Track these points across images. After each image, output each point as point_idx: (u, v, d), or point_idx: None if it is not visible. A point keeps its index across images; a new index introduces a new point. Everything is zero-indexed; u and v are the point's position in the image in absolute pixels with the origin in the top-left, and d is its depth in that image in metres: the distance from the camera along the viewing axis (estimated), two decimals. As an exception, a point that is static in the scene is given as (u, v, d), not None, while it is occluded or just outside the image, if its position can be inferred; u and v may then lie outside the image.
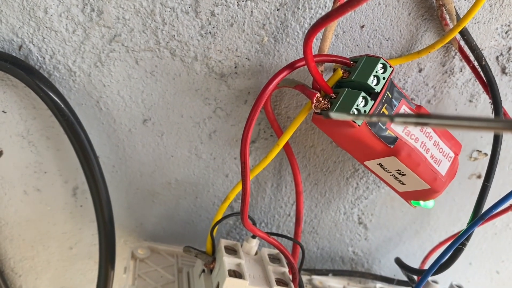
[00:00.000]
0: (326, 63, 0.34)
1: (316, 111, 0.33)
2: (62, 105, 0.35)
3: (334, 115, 0.27)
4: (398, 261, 0.45)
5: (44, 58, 0.35)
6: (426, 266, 0.43)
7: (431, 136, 0.35)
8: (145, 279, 0.42)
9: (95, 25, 0.34)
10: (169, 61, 0.37)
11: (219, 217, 0.39)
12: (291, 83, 0.34)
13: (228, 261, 0.39)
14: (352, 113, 0.31)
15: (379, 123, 0.33)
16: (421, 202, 0.39)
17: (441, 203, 0.49)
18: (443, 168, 0.36)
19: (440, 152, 0.36)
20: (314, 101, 0.32)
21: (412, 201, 0.39)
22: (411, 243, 0.51)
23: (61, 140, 0.39)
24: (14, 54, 0.34)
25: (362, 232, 0.50)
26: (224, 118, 0.40)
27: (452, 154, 0.36)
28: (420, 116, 0.20)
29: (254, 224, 0.42)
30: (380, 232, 0.50)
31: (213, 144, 0.42)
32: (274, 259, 0.42)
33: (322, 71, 0.33)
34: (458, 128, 0.19)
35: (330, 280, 0.50)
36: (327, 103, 0.32)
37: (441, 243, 0.46)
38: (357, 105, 0.31)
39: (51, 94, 0.34)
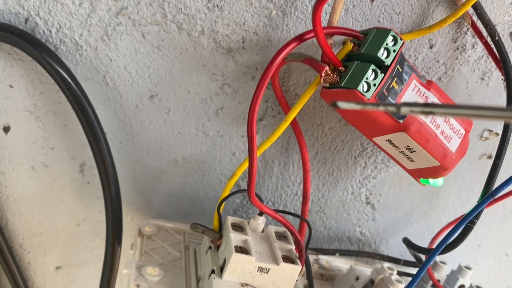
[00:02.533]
0: (335, 36, 0.33)
1: (324, 85, 0.32)
2: (69, 79, 0.35)
3: (342, 104, 0.26)
4: (406, 241, 0.45)
5: (50, 32, 0.35)
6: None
7: (441, 111, 0.34)
8: (152, 256, 0.42)
9: (102, -3, 0.34)
10: (175, 35, 0.36)
11: (226, 193, 0.39)
12: (299, 57, 0.34)
13: (234, 237, 0.39)
14: (361, 88, 0.30)
15: (389, 97, 0.32)
16: (431, 180, 0.39)
17: (450, 183, 0.48)
18: (453, 145, 0.35)
19: (451, 129, 0.35)
20: (323, 75, 0.32)
21: (421, 179, 0.39)
22: (419, 224, 0.51)
23: (68, 116, 0.39)
24: (20, 27, 0.34)
25: (369, 212, 0.49)
26: (231, 94, 0.40)
27: (462, 131, 0.36)
28: (426, 105, 0.20)
29: (261, 201, 0.42)
30: (388, 212, 0.50)
31: (220, 121, 0.41)
32: (281, 236, 0.42)
33: (331, 44, 0.33)
34: (464, 116, 0.19)
35: (337, 260, 0.49)
36: (336, 76, 0.32)
37: (450, 224, 0.46)
38: (367, 78, 0.30)
39: (58, 68, 0.34)
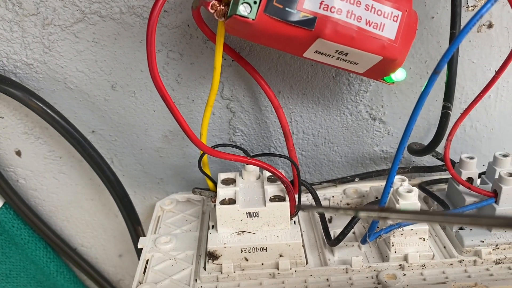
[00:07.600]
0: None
1: (218, 19, 0.31)
2: (31, 97, 0.39)
3: (306, 208, 0.26)
4: (409, 148, 0.41)
5: (2, 62, 0.39)
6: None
7: (358, 2, 0.31)
8: (170, 226, 0.45)
9: (24, 17, 0.37)
10: (102, 24, 0.38)
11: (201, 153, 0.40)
12: (197, 1, 0.33)
13: (222, 192, 0.40)
14: (241, 11, 0.29)
15: (287, 8, 0.30)
16: (392, 76, 0.35)
17: (461, 67, 0.42)
18: (390, 32, 0.32)
19: (379, 15, 0.31)
20: (211, 10, 0.31)
21: (383, 78, 0.36)
22: (443, 124, 0.46)
23: (56, 126, 0.44)
24: (-22, 67, 0.39)
25: (381, 127, 0.46)
26: (180, 59, 0.41)
27: (397, 12, 0.32)
28: (382, 210, 0.22)
29: (247, 154, 0.42)
30: (401, 121, 0.46)
31: (184, 87, 0.42)
32: (274, 179, 0.41)
33: (214, -23, 0.31)
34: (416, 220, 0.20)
35: (369, 185, 0.47)
36: (224, 7, 0.31)
37: (466, 110, 0.40)
38: (244, -1, 0.29)
39: (16, 92, 0.39)
